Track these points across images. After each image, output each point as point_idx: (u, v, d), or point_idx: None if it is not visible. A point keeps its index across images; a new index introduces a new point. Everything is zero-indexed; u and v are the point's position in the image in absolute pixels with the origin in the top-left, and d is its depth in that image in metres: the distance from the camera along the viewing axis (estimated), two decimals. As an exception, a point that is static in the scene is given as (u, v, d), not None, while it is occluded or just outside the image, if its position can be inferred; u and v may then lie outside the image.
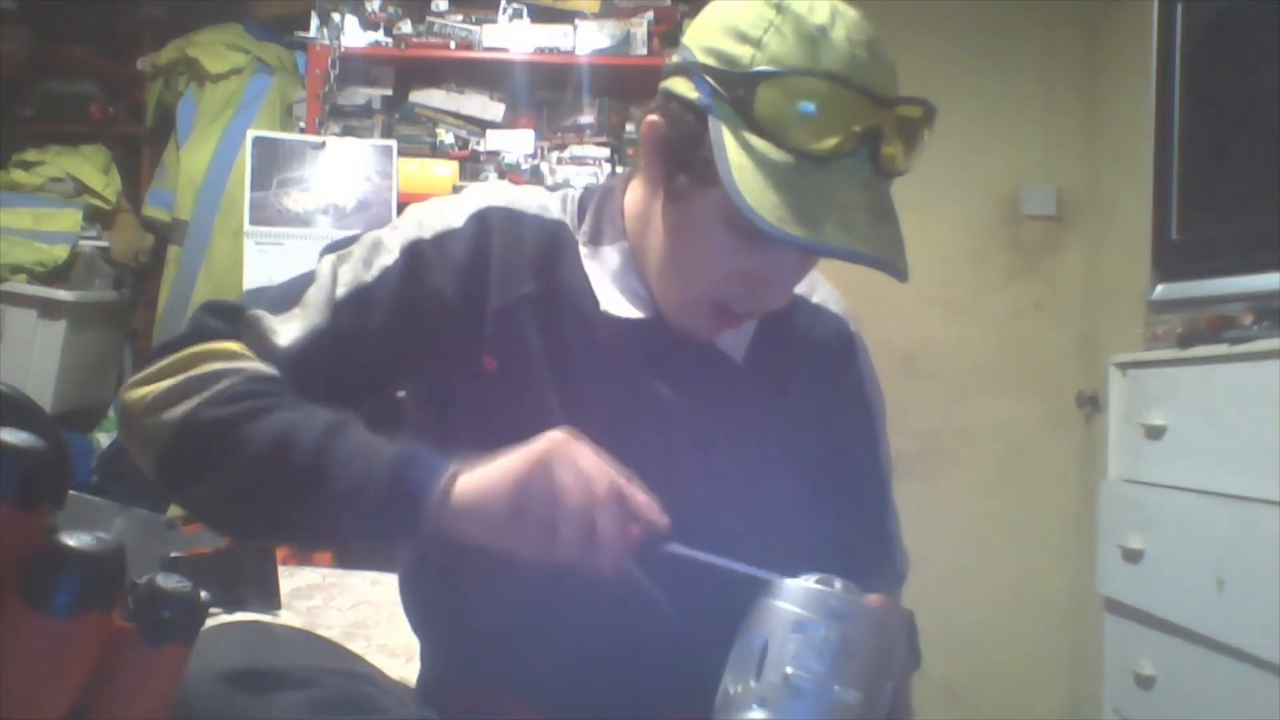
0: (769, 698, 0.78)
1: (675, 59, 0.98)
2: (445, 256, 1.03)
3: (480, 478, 0.86)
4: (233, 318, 1.01)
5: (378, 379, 1.03)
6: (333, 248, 1.07)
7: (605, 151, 3.11)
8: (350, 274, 1.03)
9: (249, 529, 1.04)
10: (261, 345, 1.00)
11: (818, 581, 0.81)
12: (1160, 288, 2.27)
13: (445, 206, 1.07)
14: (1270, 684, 1.71)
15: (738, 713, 0.79)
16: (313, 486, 0.89)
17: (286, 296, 1.03)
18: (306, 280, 1.04)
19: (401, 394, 1.11)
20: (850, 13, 0.94)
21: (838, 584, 0.81)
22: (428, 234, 1.04)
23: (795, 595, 0.80)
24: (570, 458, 0.85)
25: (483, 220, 1.05)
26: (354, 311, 1.01)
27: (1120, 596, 2.24)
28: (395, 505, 0.87)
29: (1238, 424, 1.88)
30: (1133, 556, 2.16)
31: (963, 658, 3.06)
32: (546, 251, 1.06)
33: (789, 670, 0.78)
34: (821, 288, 1.15)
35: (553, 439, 0.86)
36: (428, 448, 0.90)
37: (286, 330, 1.00)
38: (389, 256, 1.03)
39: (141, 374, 0.98)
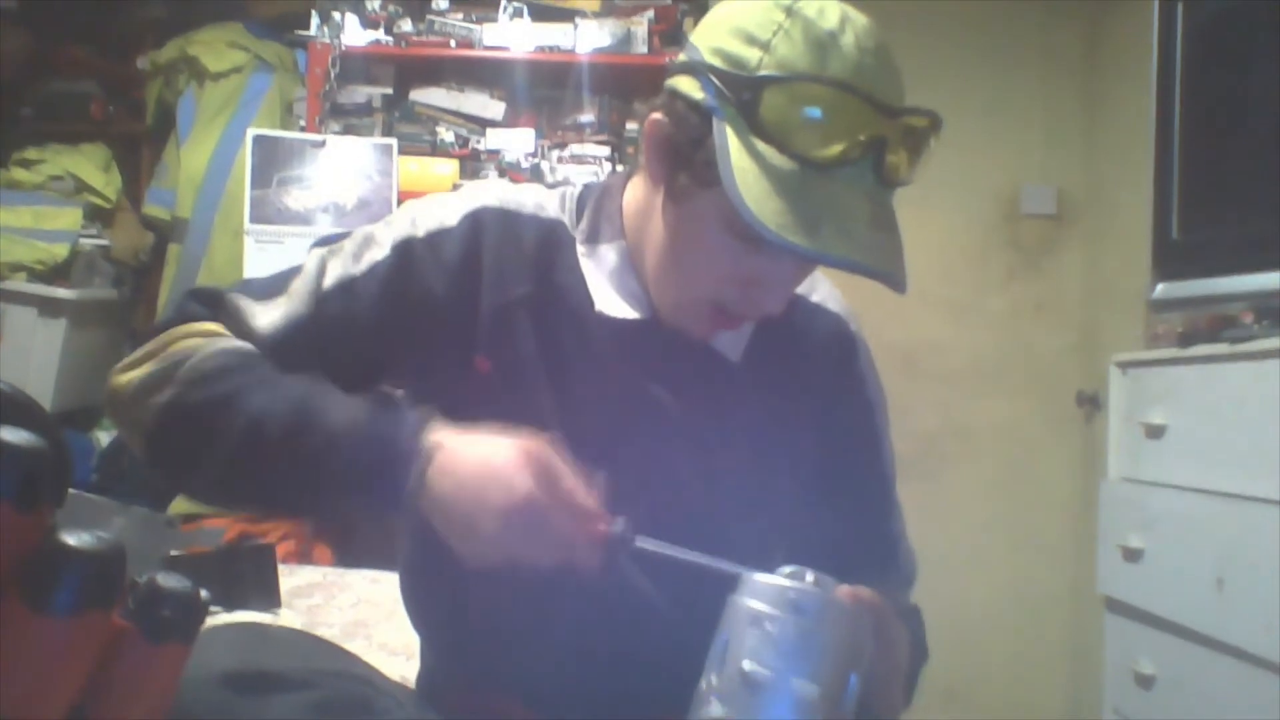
0: (727, 693, 0.78)
1: (682, 58, 0.98)
2: (437, 255, 1.03)
3: (445, 480, 0.87)
4: (215, 303, 1.03)
5: (361, 372, 1.02)
6: (324, 241, 1.07)
7: (606, 150, 3.11)
8: (339, 267, 1.03)
9: (240, 507, 1.04)
10: (240, 330, 1.01)
11: (789, 575, 0.81)
12: (1160, 287, 2.27)
13: (441, 204, 1.07)
14: (1270, 684, 1.71)
15: (701, 709, 0.79)
16: (291, 471, 0.91)
17: (271, 286, 1.04)
18: (293, 272, 1.04)
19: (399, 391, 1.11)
20: (860, 19, 0.93)
21: (809, 576, 0.81)
22: (420, 232, 1.04)
23: (754, 590, 0.80)
24: (514, 477, 0.85)
25: (477, 220, 1.05)
26: (339, 303, 1.01)
27: (1120, 596, 2.24)
28: (373, 492, 0.89)
29: (1238, 423, 1.88)
30: (1133, 556, 2.16)
31: (963, 658, 3.05)
32: (542, 251, 1.05)
33: (745, 665, 0.78)
34: (821, 286, 1.14)
35: (508, 453, 0.87)
36: (395, 425, 0.90)
37: (266, 317, 1.01)
38: (379, 252, 1.03)
39: (127, 359, 1.00)
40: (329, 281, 1.02)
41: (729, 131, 0.91)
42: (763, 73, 0.90)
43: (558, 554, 0.86)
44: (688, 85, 0.95)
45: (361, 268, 1.02)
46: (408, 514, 0.88)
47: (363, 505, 0.92)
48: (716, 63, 0.93)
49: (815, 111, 0.89)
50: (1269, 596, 1.71)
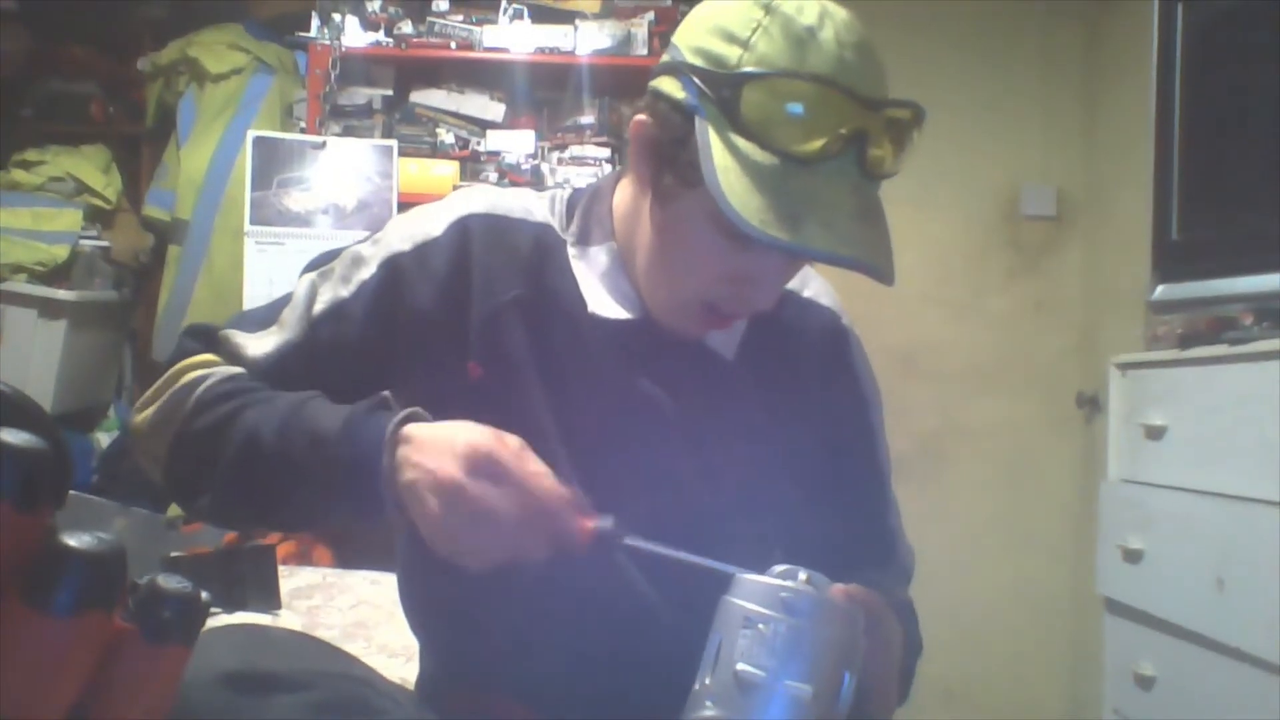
0: (721, 695, 0.78)
1: (665, 58, 0.98)
2: (425, 267, 1.03)
3: (406, 469, 0.86)
4: (210, 340, 1.06)
5: (357, 390, 1.03)
6: (313, 265, 1.09)
7: (606, 152, 3.11)
8: (329, 291, 1.05)
9: (249, 525, 1.06)
10: (234, 361, 1.04)
11: (781, 574, 0.81)
12: (1160, 288, 2.27)
13: (425, 216, 1.07)
14: (1270, 684, 1.71)
15: (694, 711, 0.79)
16: (284, 482, 0.93)
17: (264, 317, 1.07)
18: (284, 301, 1.07)
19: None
20: (840, 13, 0.93)
21: (802, 575, 0.80)
22: (407, 246, 1.04)
23: (746, 590, 0.80)
24: (493, 473, 0.84)
25: (463, 228, 1.05)
26: (330, 327, 1.03)
27: (1120, 597, 2.24)
28: (354, 492, 0.89)
29: (1238, 424, 1.88)
30: (1133, 557, 2.16)
31: (963, 658, 3.06)
32: (532, 255, 1.06)
33: (739, 667, 0.78)
34: (813, 282, 1.14)
35: (463, 434, 0.86)
36: (372, 424, 0.90)
37: (258, 346, 1.04)
38: (367, 271, 1.04)
39: (141, 399, 1.04)
40: (320, 306, 1.04)
41: (710, 130, 0.91)
42: (742, 70, 0.90)
43: (509, 543, 0.84)
44: (670, 85, 0.96)
45: (351, 289, 1.04)
46: (390, 512, 0.88)
47: (350, 508, 0.92)
48: (697, 62, 0.93)
49: (795, 106, 0.89)
50: (1269, 597, 1.71)
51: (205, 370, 1.01)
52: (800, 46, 0.90)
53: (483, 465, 0.84)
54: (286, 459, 0.91)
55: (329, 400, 0.96)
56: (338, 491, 0.90)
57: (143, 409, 1.03)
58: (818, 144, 0.89)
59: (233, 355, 1.04)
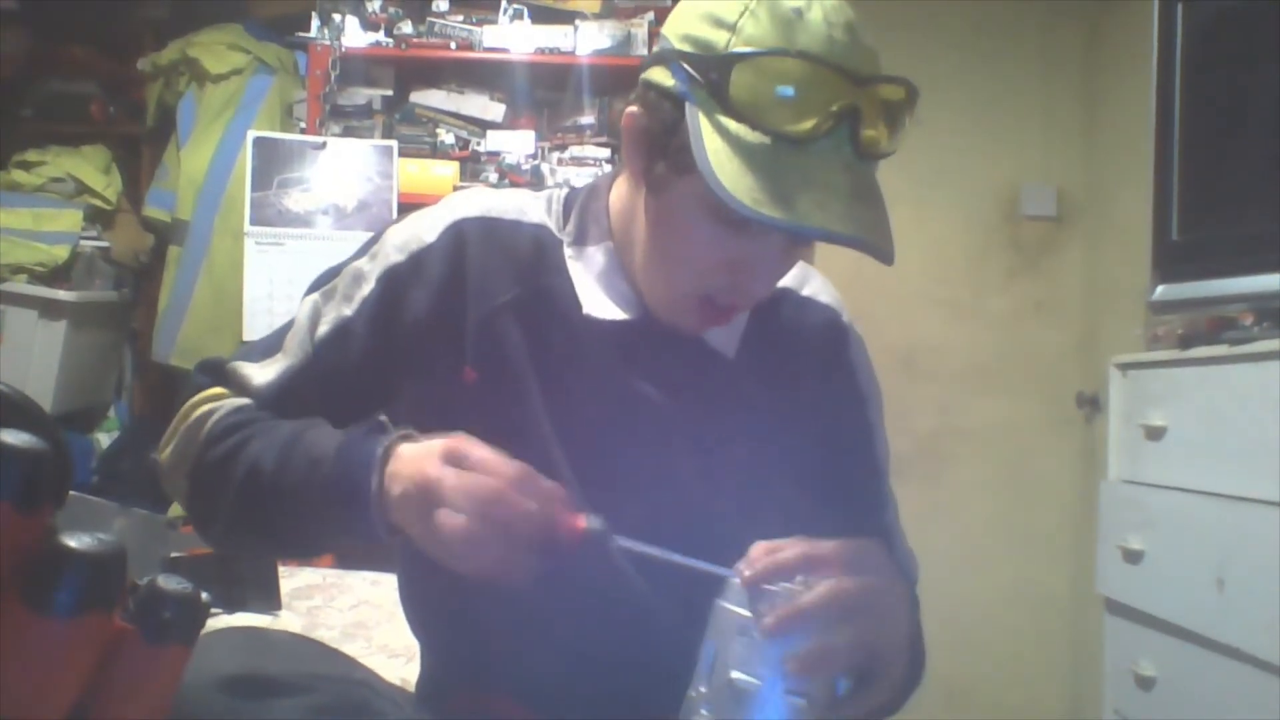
0: (717, 703, 0.78)
1: (655, 50, 0.98)
2: (420, 274, 1.04)
3: (393, 487, 0.87)
4: (219, 373, 1.08)
5: (364, 404, 1.04)
6: (316, 285, 1.09)
7: (606, 152, 3.10)
8: (333, 311, 1.06)
9: (264, 553, 1.06)
10: (242, 392, 1.05)
11: None
12: (1160, 288, 2.27)
13: (419, 222, 1.07)
14: (1270, 684, 1.71)
15: (690, 717, 0.79)
16: (284, 508, 0.94)
17: (268, 345, 1.08)
18: (287, 327, 1.08)
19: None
20: None
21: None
22: (403, 256, 1.05)
23: (740, 595, 0.80)
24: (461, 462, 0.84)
25: (457, 232, 1.05)
26: (336, 347, 1.04)
27: (1120, 597, 2.24)
28: (348, 515, 0.89)
29: (1238, 424, 1.88)
30: (1133, 557, 2.16)
31: (963, 658, 3.06)
32: (528, 256, 1.06)
33: (734, 675, 0.77)
34: (813, 279, 1.14)
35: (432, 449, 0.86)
36: (365, 448, 0.90)
37: (263, 374, 1.05)
38: (367, 287, 1.05)
39: (164, 436, 1.06)
40: (324, 327, 1.05)
41: (700, 114, 0.91)
42: (730, 51, 0.90)
43: (497, 530, 0.83)
44: (660, 75, 0.95)
45: (354, 307, 1.05)
46: (381, 534, 0.89)
47: (346, 532, 0.92)
48: (686, 48, 0.93)
49: (784, 85, 0.88)
50: (1269, 597, 1.71)
51: (214, 404, 1.03)
52: (788, 27, 0.89)
53: (462, 458, 0.84)
54: (286, 487, 0.92)
55: (331, 425, 0.97)
56: (333, 515, 0.91)
57: (164, 447, 1.05)
58: (808, 123, 0.88)
59: (240, 386, 1.05)
